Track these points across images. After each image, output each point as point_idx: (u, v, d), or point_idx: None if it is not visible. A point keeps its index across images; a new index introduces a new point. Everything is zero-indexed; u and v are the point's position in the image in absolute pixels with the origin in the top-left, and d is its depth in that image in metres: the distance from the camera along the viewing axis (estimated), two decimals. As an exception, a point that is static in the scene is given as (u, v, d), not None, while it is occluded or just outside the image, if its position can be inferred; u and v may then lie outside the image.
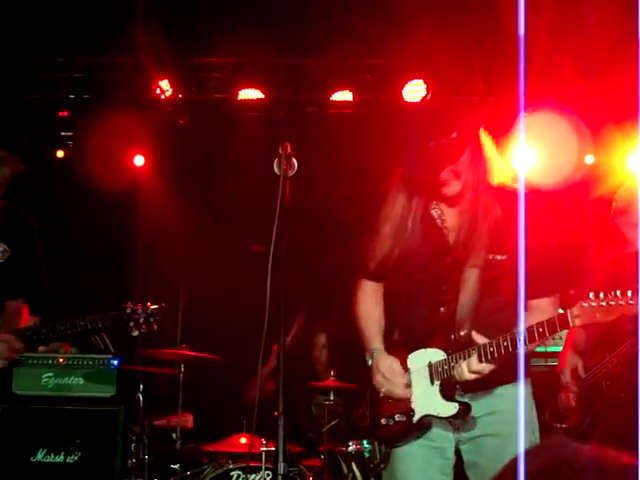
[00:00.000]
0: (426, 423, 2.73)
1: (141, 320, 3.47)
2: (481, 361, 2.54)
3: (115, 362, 4.81)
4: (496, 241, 2.61)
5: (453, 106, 2.68)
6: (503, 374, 2.61)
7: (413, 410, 2.73)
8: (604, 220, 3.92)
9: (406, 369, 2.76)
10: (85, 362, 4.41)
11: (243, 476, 4.00)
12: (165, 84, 5.29)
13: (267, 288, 2.29)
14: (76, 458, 4.21)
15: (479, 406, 2.67)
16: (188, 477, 4.37)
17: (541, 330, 2.45)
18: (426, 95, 5.34)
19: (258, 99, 5.35)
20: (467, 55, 5.09)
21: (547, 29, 4.62)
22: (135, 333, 3.47)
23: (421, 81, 5.44)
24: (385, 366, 2.77)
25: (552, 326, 2.44)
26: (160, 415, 4.66)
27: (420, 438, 2.73)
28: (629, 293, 2.40)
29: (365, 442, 4.30)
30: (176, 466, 4.41)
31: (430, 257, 2.70)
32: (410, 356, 2.77)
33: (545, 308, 2.63)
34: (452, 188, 2.62)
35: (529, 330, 2.48)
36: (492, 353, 2.53)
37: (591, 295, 2.42)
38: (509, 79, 4.19)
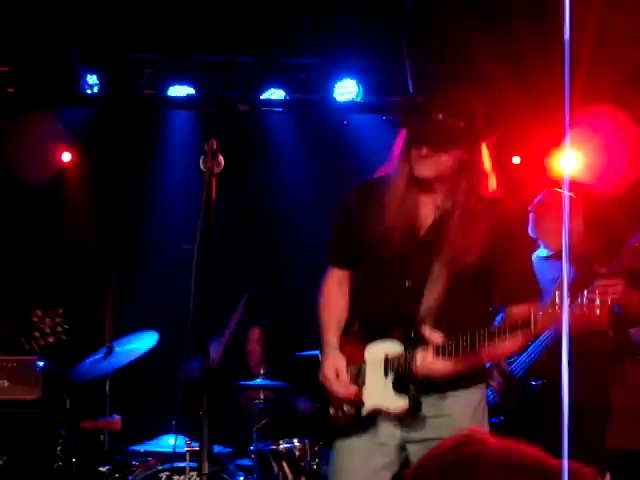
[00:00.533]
0: (374, 417, 2.68)
1: (47, 330, 3.32)
2: (437, 356, 2.51)
3: (41, 364, 4.70)
4: (470, 243, 2.57)
5: (471, 99, 2.61)
6: (459, 378, 2.60)
7: (363, 402, 2.69)
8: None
9: (362, 360, 2.72)
10: (9, 364, 4.30)
11: (172, 477, 3.94)
12: (93, 79, 5.18)
13: (192, 286, 2.25)
14: (1, 462, 4.10)
15: (430, 406, 2.63)
16: (116, 479, 4.30)
17: (503, 328, 2.46)
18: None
19: (189, 95, 5.29)
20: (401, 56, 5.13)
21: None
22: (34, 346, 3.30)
23: (353, 81, 5.47)
24: (329, 366, 2.73)
25: (513, 325, 2.44)
26: (88, 417, 4.57)
27: (365, 433, 2.69)
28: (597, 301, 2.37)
29: (296, 440, 4.30)
30: (104, 469, 4.33)
31: (400, 248, 2.63)
32: (368, 346, 2.72)
33: (524, 313, 2.54)
34: (424, 168, 2.57)
35: (490, 330, 2.47)
36: (450, 351, 2.50)
37: (557, 299, 2.38)
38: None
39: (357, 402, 2.69)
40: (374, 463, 2.69)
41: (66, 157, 5.53)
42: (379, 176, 2.77)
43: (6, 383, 4.45)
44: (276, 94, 5.41)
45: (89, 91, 5.20)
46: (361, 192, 2.80)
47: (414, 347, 2.58)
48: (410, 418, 2.63)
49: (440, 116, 2.50)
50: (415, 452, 2.68)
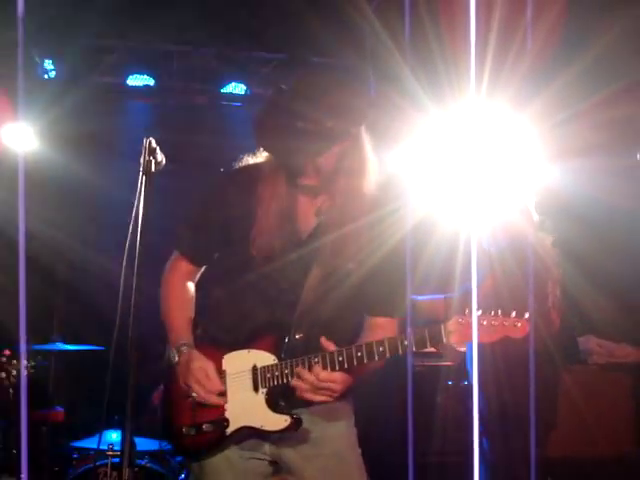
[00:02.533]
0: (242, 436, 2.37)
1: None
2: (326, 368, 2.26)
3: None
4: (351, 248, 2.35)
5: (337, 94, 2.29)
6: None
7: (227, 420, 2.37)
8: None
9: (221, 371, 2.39)
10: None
11: (111, 472, 3.90)
12: (49, 64, 5.08)
13: (120, 286, 2.17)
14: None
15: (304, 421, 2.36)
16: (56, 473, 4.24)
17: (406, 344, 2.23)
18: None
19: (147, 86, 5.21)
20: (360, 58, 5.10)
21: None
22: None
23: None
24: (196, 367, 2.35)
25: (421, 341, 2.23)
26: (31, 409, 4.50)
27: (230, 451, 2.38)
28: (513, 313, 2.25)
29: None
30: (45, 461, 4.28)
31: (277, 248, 2.37)
32: (227, 356, 2.40)
33: (388, 327, 2.41)
34: (307, 178, 2.34)
35: (391, 342, 2.24)
36: (341, 362, 2.26)
37: (467, 311, 2.25)
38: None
39: (221, 419, 2.37)
40: (252, 476, 2.42)
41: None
42: (250, 165, 2.48)
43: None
44: (237, 88, 5.36)
45: (46, 76, 5.11)
46: (231, 183, 2.48)
47: (290, 357, 2.33)
48: (288, 434, 2.35)
49: (300, 123, 2.20)
50: (292, 462, 2.42)
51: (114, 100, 5.24)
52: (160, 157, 2.31)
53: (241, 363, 2.39)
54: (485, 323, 2.24)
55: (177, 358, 2.41)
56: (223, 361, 2.41)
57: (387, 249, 2.34)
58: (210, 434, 2.38)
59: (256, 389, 2.37)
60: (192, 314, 2.51)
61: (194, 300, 2.55)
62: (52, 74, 5.12)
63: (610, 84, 4.04)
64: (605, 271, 4.66)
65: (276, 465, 2.46)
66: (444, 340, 2.24)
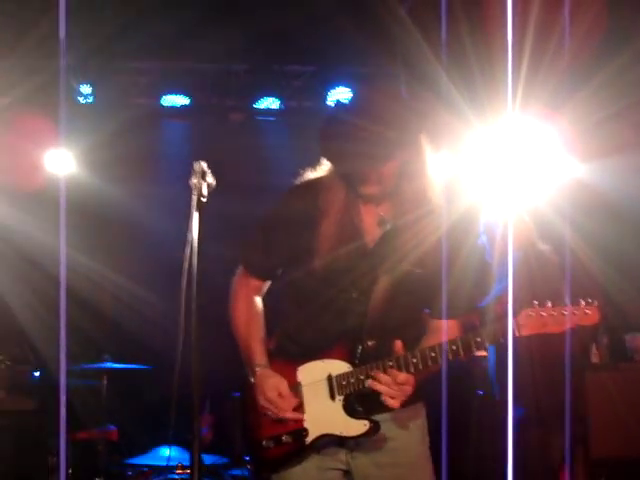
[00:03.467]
0: (321, 445, 2.43)
1: None
2: (400, 371, 2.32)
3: (36, 373, 4.70)
4: (417, 254, 2.40)
5: (396, 106, 2.38)
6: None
7: (306, 430, 2.42)
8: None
9: (296, 383, 2.45)
10: (2, 374, 4.30)
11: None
12: (86, 88, 5.17)
13: (181, 308, 2.22)
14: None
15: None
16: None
17: (479, 340, 2.32)
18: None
19: (183, 105, 5.28)
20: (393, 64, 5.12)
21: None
22: None
23: (347, 88, 5.47)
24: (269, 387, 2.43)
25: (493, 336, 2.31)
26: (83, 428, 4.58)
27: (308, 464, 2.43)
28: (582, 302, 2.33)
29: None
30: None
31: (344, 259, 2.42)
32: (301, 368, 2.46)
33: (451, 328, 2.46)
34: (369, 187, 2.38)
35: (464, 340, 2.33)
36: (415, 364, 2.33)
37: (535, 303, 2.32)
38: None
39: (299, 429, 2.43)
40: None
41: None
42: (311, 180, 2.53)
43: (0, 393, 4.45)
44: (271, 102, 5.41)
45: (83, 101, 5.20)
46: (293, 197, 2.54)
47: (365, 364, 2.38)
48: (367, 440, 2.41)
49: (363, 133, 2.27)
50: (364, 477, 2.47)
51: (150, 121, 5.31)
52: (211, 179, 2.34)
53: (316, 373, 2.45)
54: (556, 314, 2.31)
55: (253, 378, 2.48)
56: (297, 373, 2.46)
57: (451, 252, 2.39)
58: (289, 445, 2.44)
59: (333, 397, 2.43)
60: (263, 330, 2.57)
61: (263, 315, 2.60)
62: (90, 99, 5.20)
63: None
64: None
65: (349, 476, 2.49)
66: (517, 333, 2.30)
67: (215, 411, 5.02)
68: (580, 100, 4.02)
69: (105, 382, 4.47)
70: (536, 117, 4.24)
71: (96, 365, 4.55)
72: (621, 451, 4.48)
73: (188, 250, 2.22)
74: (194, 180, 2.30)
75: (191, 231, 2.26)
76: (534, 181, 4.17)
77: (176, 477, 4.01)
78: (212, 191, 2.35)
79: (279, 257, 2.55)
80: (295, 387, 2.45)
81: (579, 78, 4.08)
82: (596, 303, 2.34)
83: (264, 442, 2.47)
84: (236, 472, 4.48)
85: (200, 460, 2.10)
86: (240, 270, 2.63)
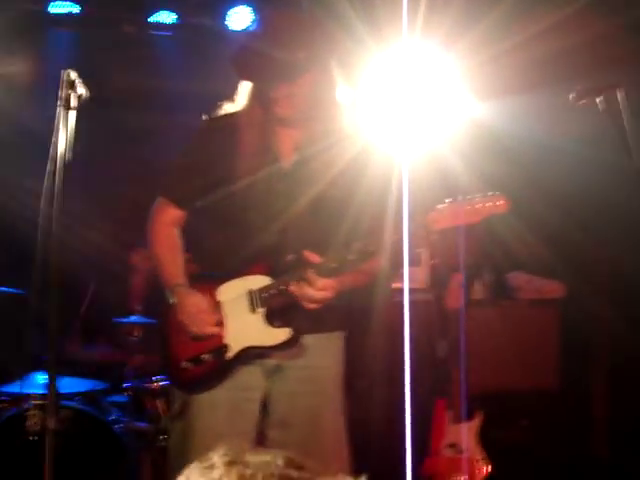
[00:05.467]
0: (237, 365, 2.48)
1: None
2: (318, 277, 2.39)
3: None
4: (334, 176, 2.52)
5: (306, 27, 2.54)
6: (323, 318, 2.50)
7: (227, 345, 2.48)
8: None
9: (216, 302, 2.51)
10: None
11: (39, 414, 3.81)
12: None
13: (40, 224, 2.10)
14: None
15: (296, 357, 2.52)
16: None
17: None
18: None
19: (71, 13, 4.94)
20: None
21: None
22: None
23: (248, 7, 5.23)
24: (190, 303, 2.50)
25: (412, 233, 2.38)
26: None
27: (228, 384, 2.49)
28: (489, 193, 2.42)
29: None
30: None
31: (261, 181, 2.53)
32: (222, 287, 2.53)
33: None
34: (282, 108, 2.49)
35: (381, 241, 2.40)
36: (335, 269, 2.40)
37: (447, 200, 2.41)
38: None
39: (220, 346, 2.49)
40: (240, 418, 2.52)
41: None
42: (230, 113, 2.65)
43: None
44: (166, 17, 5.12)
45: None
46: (213, 130, 2.65)
47: (286, 274, 2.45)
48: (289, 349, 2.48)
49: (275, 51, 2.41)
50: (278, 404, 2.55)
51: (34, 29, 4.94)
52: (81, 90, 2.19)
53: (236, 290, 2.50)
54: (469, 207, 2.38)
55: (173, 298, 2.54)
56: (217, 292, 2.53)
57: (367, 179, 2.50)
58: (209, 363, 2.49)
59: (253, 310, 2.48)
60: (182, 257, 2.63)
61: (182, 244, 2.67)
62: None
63: (543, 18, 4.01)
64: (533, 209, 4.72)
65: (265, 410, 2.54)
66: (429, 226, 2.39)
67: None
68: (473, 36, 3.98)
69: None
70: (436, 46, 4.17)
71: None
72: (497, 384, 4.66)
73: (50, 165, 2.08)
74: (62, 90, 2.16)
75: (55, 146, 2.11)
76: (432, 116, 4.14)
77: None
78: (84, 102, 2.21)
79: (198, 186, 2.61)
80: (216, 306, 2.50)
81: (474, 12, 4.04)
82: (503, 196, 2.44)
83: (183, 363, 2.51)
84: (116, 399, 4.40)
85: (55, 389, 1.99)
86: (159, 199, 2.69)
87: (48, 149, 2.14)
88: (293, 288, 2.41)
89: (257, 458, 0.98)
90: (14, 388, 4.09)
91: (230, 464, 0.97)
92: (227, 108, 2.66)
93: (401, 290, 4.72)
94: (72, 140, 2.16)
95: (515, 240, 4.57)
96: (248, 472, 0.96)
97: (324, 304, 2.44)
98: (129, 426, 4.06)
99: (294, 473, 0.97)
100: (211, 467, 0.98)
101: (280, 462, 0.98)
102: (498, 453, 4.28)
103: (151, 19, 5.06)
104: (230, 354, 2.48)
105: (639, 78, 2.94)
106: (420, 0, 3.35)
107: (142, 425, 4.10)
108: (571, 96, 2.46)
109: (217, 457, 0.99)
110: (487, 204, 2.39)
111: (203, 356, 2.50)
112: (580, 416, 4.90)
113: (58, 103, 2.16)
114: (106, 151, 4.97)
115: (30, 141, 4.74)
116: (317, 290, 2.38)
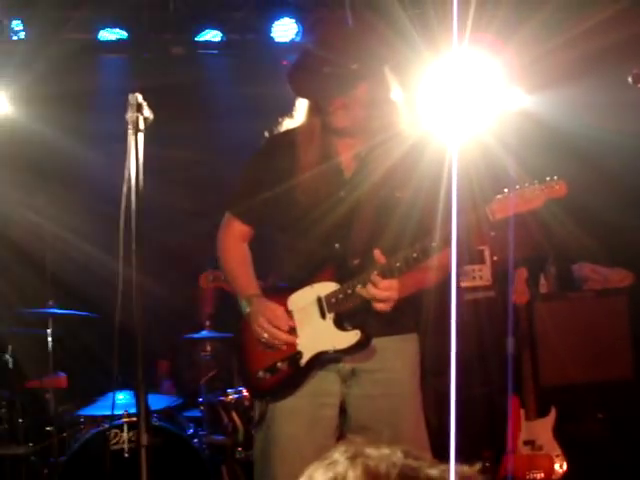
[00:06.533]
0: (312, 372, 2.52)
1: None
2: (385, 278, 2.42)
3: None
4: (395, 179, 2.57)
5: (357, 37, 2.59)
6: (397, 320, 2.54)
7: (300, 353, 2.53)
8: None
9: (287, 312, 2.56)
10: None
11: (120, 433, 3.89)
12: (16, 24, 4.88)
13: (119, 262, 2.15)
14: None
15: (372, 360, 2.54)
16: (64, 439, 4.24)
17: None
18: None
19: (120, 39, 5.04)
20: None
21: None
22: None
23: (292, 19, 5.27)
24: (267, 310, 2.55)
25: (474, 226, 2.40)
26: (32, 377, 4.48)
27: (304, 393, 2.52)
28: (547, 178, 2.43)
29: (244, 390, 4.28)
30: (51, 428, 4.26)
31: (324, 191, 2.59)
32: (291, 297, 2.58)
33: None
34: (339, 120, 2.54)
35: (445, 236, 2.39)
36: (399, 268, 2.42)
37: (505, 190, 2.43)
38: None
39: (294, 354, 2.54)
40: (319, 426, 2.55)
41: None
42: (290, 129, 2.72)
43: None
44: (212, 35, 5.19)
45: (14, 37, 4.92)
46: (275, 145, 2.73)
47: (352, 278, 2.49)
48: (361, 350, 2.51)
49: (328, 66, 2.45)
50: (356, 409, 2.58)
51: (86, 56, 5.05)
52: (148, 113, 2.24)
53: (305, 298, 2.56)
54: (528, 193, 2.40)
55: (248, 308, 2.60)
56: (288, 302, 2.58)
57: (427, 179, 2.52)
58: (285, 371, 2.54)
59: (323, 316, 2.54)
60: (253, 269, 2.71)
61: (251, 258, 2.74)
62: (21, 35, 4.92)
63: (598, 12, 3.97)
64: (589, 197, 4.66)
65: (343, 412, 2.57)
66: (491, 218, 2.40)
67: (168, 356, 4.98)
68: (529, 30, 3.95)
69: (50, 329, 4.34)
70: (485, 48, 4.16)
71: (41, 310, 4.42)
72: (569, 378, 4.58)
73: (125, 188, 2.12)
74: (129, 114, 2.20)
75: (128, 168, 2.16)
76: (479, 112, 4.12)
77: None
78: (150, 125, 2.26)
79: (263, 201, 2.67)
80: (288, 315, 2.55)
81: (529, 6, 4.02)
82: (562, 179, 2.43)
83: (260, 373, 2.56)
84: (190, 414, 4.46)
85: (146, 406, 2.03)
86: (226, 215, 2.77)
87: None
88: (359, 290, 2.45)
89: (377, 451, 1.00)
90: (94, 410, 4.17)
91: (353, 458, 1.00)
92: (287, 124, 2.73)
93: (469, 289, 4.71)
94: (142, 163, 2.20)
95: (575, 231, 4.51)
96: (372, 463, 0.98)
97: (394, 306, 2.46)
98: (207, 440, 4.12)
99: (414, 463, 1.00)
100: (334, 463, 1.00)
101: (400, 454, 1.00)
102: (575, 448, 4.22)
103: (198, 38, 5.14)
104: (304, 360, 2.53)
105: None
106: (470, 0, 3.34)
107: (219, 438, 4.15)
108: (630, 78, 2.45)
109: (338, 454, 1.01)
110: (546, 188, 2.41)
111: (278, 364, 2.55)
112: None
113: (128, 126, 2.20)
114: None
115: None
116: (381, 290, 2.42)
